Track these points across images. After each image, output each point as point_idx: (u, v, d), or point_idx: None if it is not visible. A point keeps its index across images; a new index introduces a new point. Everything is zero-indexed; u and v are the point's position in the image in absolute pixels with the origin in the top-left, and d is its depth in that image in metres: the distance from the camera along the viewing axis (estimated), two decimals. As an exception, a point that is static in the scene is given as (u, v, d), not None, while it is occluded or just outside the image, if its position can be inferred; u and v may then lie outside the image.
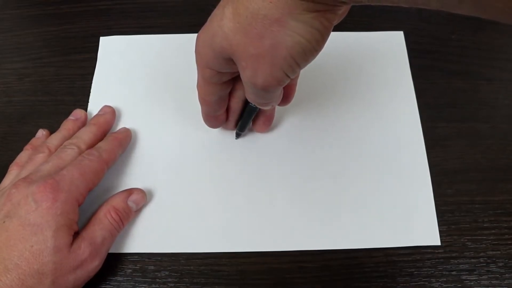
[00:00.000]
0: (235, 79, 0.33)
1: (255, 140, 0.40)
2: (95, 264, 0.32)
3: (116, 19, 0.47)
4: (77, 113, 0.40)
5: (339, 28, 0.30)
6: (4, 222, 0.31)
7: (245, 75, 0.28)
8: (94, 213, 0.34)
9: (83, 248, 0.31)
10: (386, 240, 0.36)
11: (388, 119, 0.41)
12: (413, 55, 0.44)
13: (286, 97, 0.35)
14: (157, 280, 0.35)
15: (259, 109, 0.36)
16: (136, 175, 0.38)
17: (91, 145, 0.37)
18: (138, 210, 0.36)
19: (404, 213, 0.37)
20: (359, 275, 0.35)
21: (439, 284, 0.35)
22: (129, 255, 0.36)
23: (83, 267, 0.31)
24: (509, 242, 0.36)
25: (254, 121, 0.38)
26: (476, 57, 0.45)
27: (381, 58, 0.44)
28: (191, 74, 0.40)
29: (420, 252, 0.36)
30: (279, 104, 0.36)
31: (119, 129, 0.40)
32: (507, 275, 0.35)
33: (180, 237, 0.36)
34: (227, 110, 0.36)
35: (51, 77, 0.44)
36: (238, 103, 0.35)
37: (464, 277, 0.35)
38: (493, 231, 0.37)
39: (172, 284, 0.35)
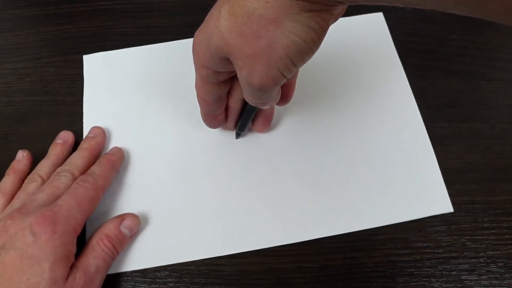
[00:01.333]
0: (233, 79, 0.33)
1: (255, 140, 0.40)
2: None
3: (116, 19, 0.47)
4: (64, 135, 0.39)
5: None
6: (0, 254, 0.30)
7: (241, 75, 0.28)
8: (87, 241, 0.34)
9: (78, 278, 0.31)
10: (398, 215, 0.37)
11: (384, 104, 0.41)
12: (413, 55, 0.44)
13: (285, 97, 0.35)
14: (157, 280, 0.35)
15: (258, 108, 0.36)
16: (133, 186, 0.38)
17: (85, 170, 0.36)
18: (134, 235, 0.36)
19: (413, 187, 0.38)
20: (359, 275, 0.35)
21: (439, 284, 0.35)
22: (129, 255, 0.36)
23: None
24: (509, 242, 0.36)
25: (253, 121, 0.38)
26: (476, 57, 0.45)
27: (366, 41, 0.44)
28: (181, 81, 0.41)
29: (420, 252, 0.36)
30: (278, 104, 0.36)
31: (111, 150, 0.39)
32: (507, 275, 0.35)
33: (182, 245, 0.36)
34: (226, 110, 0.36)
35: (51, 77, 0.44)
36: (237, 102, 0.35)
37: (464, 277, 0.35)
38: (493, 231, 0.37)
39: (172, 284, 0.35)
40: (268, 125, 0.39)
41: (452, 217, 0.37)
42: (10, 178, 0.36)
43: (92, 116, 0.41)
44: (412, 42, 0.45)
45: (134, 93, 0.42)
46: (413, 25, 0.46)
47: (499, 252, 0.36)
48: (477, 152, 0.40)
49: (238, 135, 0.40)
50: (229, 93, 0.35)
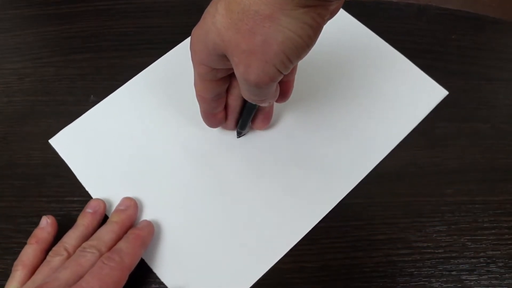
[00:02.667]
0: (232, 76, 0.33)
1: (257, 139, 0.40)
2: None
3: (116, 19, 0.47)
4: (95, 204, 0.36)
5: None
6: None
7: (238, 71, 0.28)
8: None
9: None
10: (405, 126, 0.40)
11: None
12: (413, 55, 0.44)
13: (284, 94, 0.35)
14: (157, 280, 0.35)
15: (258, 106, 0.36)
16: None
17: (112, 246, 0.33)
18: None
19: (405, 98, 0.41)
20: (359, 275, 0.35)
21: (439, 284, 0.35)
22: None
23: None
24: (509, 242, 0.36)
25: (252, 119, 0.38)
26: (476, 57, 0.45)
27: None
28: (156, 112, 0.41)
29: (420, 252, 0.36)
30: (278, 101, 0.36)
31: (141, 223, 0.36)
32: (507, 275, 0.35)
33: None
34: (226, 109, 0.36)
35: (51, 77, 0.44)
36: (236, 100, 0.35)
37: (464, 277, 0.35)
38: (493, 231, 0.37)
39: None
40: (268, 122, 0.39)
41: (452, 217, 0.37)
42: (32, 248, 0.34)
43: (95, 185, 0.39)
44: (412, 42, 0.45)
45: (120, 142, 0.40)
46: (413, 25, 0.46)
47: (499, 252, 0.36)
48: (477, 152, 0.40)
49: (239, 134, 0.40)
50: (228, 91, 0.35)
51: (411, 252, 0.36)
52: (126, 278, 0.32)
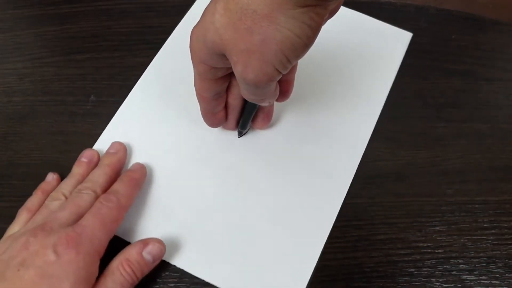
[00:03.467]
0: (232, 75, 0.33)
1: (258, 138, 0.40)
2: None
3: (116, 19, 0.47)
4: (89, 154, 0.38)
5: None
6: (18, 270, 0.29)
7: (236, 71, 0.28)
8: (108, 264, 0.32)
9: None
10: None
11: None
12: (413, 55, 0.44)
13: (284, 93, 0.35)
14: (157, 280, 0.35)
15: (259, 105, 0.36)
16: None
17: (106, 187, 0.35)
18: (157, 262, 0.34)
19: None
20: (359, 275, 0.35)
21: (439, 284, 0.35)
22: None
23: None
24: (509, 242, 0.36)
25: (253, 118, 0.38)
26: (476, 57, 0.45)
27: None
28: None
29: (420, 252, 0.36)
30: (278, 100, 0.36)
31: (133, 166, 0.38)
32: (507, 275, 0.35)
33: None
34: (226, 108, 0.36)
35: (51, 77, 0.44)
36: (236, 99, 0.35)
37: (464, 277, 0.35)
38: (493, 231, 0.37)
39: (172, 284, 0.35)
40: (268, 121, 0.39)
41: (452, 217, 0.37)
42: (37, 197, 0.36)
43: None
44: (412, 42, 0.45)
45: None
46: (413, 25, 0.46)
47: (499, 252, 0.36)
48: (477, 152, 0.40)
49: (240, 133, 0.40)
50: (228, 90, 0.35)
51: (411, 252, 0.36)
52: (123, 217, 0.34)
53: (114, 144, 0.39)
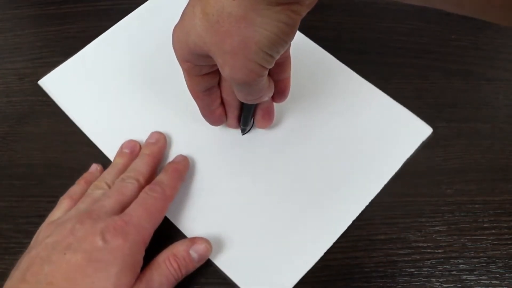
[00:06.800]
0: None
1: (261, 137, 0.40)
2: None
3: (116, 19, 0.47)
4: (132, 144, 0.39)
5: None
6: (65, 254, 0.29)
7: (224, 73, 0.29)
8: (155, 258, 0.33)
9: None
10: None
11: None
12: (413, 55, 0.44)
13: (282, 92, 0.35)
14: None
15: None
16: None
17: (148, 178, 0.36)
18: (202, 261, 0.34)
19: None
20: (359, 275, 0.35)
21: (439, 284, 0.35)
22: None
23: None
24: (509, 242, 0.36)
25: (254, 116, 0.38)
26: (476, 57, 0.45)
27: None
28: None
29: (420, 252, 0.36)
30: (276, 100, 0.36)
31: (177, 158, 0.38)
32: (507, 275, 0.35)
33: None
34: (224, 105, 0.36)
35: (51, 77, 0.44)
36: (230, 95, 0.35)
37: (464, 277, 0.35)
38: (493, 231, 0.37)
39: (172, 284, 0.35)
40: (269, 120, 0.39)
41: (452, 217, 0.37)
42: (80, 187, 0.36)
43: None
44: (412, 42, 0.45)
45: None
46: (413, 25, 0.46)
47: (499, 252, 0.36)
48: (477, 152, 0.40)
49: (243, 131, 0.40)
50: (220, 86, 0.35)
51: (411, 252, 0.36)
52: (167, 208, 0.35)
53: (153, 134, 0.39)
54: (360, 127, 0.40)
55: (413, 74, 0.43)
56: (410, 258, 0.36)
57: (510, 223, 0.37)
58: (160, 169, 0.38)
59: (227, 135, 0.40)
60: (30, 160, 0.40)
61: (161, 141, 0.39)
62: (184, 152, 0.39)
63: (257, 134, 0.40)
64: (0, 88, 0.43)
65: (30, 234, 0.34)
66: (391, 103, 0.42)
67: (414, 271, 0.35)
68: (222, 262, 0.35)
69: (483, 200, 0.38)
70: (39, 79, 0.43)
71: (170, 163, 0.38)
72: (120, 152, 0.38)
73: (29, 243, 0.33)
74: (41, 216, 0.35)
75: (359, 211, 0.37)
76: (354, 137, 0.40)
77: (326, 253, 0.36)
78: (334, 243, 0.36)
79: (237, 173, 0.39)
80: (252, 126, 0.40)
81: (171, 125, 0.41)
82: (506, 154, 0.40)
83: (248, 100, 0.32)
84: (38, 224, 0.34)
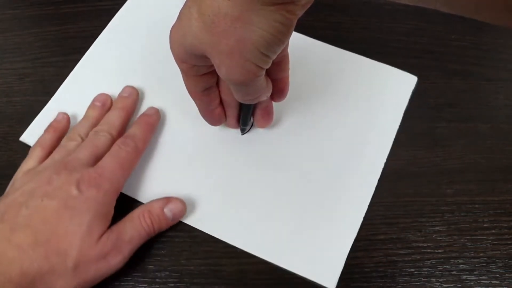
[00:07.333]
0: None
1: (259, 136, 0.40)
2: (117, 260, 0.33)
3: (116, 19, 0.47)
4: (103, 98, 0.40)
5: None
6: (42, 200, 0.32)
7: (221, 73, 0.29)
8: (130, 212, 0.35)
9: (110, 240, 0.32)
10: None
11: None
12: (413, 55, 0.44)
13: (281, 91, 0.35)
14: (157, 280, 0.35)
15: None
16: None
17: (121, 130, 0.38)
18: (176, 221, 0.36)
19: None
20: (359, 275, 0.35)
21: (439, 284, 0.35)
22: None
23: (105, 260, 0.32)
24: (509, 242, 0.36)
25: (253, 116, 0.38)
26: (476, 57, 0.45)
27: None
28: None
29: (420, 252, 0.36)
30: (276, 100, 0.36)
31: (148, 110, 0.40)
32: (507, 275, 0.35)
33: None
34: (223, 105, 0.36)
35: (51, 77, 0.44)
36: (228, 95, 0.35)
37: (464, 277, 0.35)
38: (493, 231, 0.37)
39: (172, 284, 0.35)
40: (268, 119, 0.39)
41: (452, 217, 0.37)
42: (49, 135, 0.38)
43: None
44: (412, 42, 0.45)
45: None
46: (413, 25, 0.46)
47: (499, 252, 0.36)
48: (477, 152, 0.40)
49: (243, 131, 0.40)
50: (219, 86, 0.35)
51: (411, 252, 0.36)
52: (139, 161, 0.37)
53: (126, 88, 0.40)
54: (352, 99, 0.42)
55: (413, 74, 0.43)
56: (410, 258, 0.36)
57: (510, 223, 0.37)
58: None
59: (227, 135, 0.40)
60: (30, 160, 0.40)
61: (134, 95, 0.40)
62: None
63: (257, 134, 0.40)
64: (0, 88, 0.43)
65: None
66: (372, 63, 0.43)
67: (414, 271, 0.35)
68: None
69: (483, 200, 0.38)
70: (39, 79, 0.43)
71: (141, 115, 0.39)
72: (92, 105, 0.40)
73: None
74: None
75: (374, 184, 0.38)
76: (350, 112, 0.41)
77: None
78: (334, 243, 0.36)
79: (237, 173, 0.39)
80: (252, 125, 0.40)
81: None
82: (506, 154, 0.40)
83: (246, 100, 0.32)
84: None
